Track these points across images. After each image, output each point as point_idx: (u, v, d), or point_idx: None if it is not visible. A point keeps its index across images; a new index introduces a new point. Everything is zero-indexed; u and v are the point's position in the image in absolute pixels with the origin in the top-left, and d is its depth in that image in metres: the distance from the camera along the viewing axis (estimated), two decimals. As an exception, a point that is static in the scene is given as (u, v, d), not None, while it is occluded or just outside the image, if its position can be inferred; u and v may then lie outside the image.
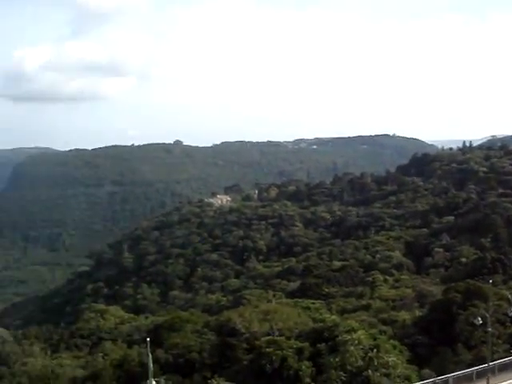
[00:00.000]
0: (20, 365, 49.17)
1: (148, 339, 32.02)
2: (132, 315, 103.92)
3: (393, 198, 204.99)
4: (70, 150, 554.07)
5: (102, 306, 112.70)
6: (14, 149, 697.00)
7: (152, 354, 31.94)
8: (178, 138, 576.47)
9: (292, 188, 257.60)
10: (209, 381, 35.81)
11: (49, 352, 60.10)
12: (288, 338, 41.42)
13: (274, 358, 37.79)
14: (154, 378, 32.29)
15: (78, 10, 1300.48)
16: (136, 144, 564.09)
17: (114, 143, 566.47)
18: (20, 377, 45.94)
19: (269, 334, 42.99)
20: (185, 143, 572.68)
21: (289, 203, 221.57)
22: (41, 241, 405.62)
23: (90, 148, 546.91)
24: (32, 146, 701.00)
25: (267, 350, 38.76)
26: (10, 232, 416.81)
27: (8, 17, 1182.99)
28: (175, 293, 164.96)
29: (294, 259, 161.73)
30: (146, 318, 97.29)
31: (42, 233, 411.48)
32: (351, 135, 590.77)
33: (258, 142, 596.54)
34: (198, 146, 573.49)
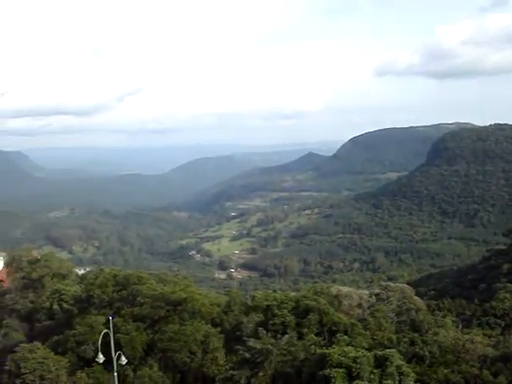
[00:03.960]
0: (432, 334, 50.35)
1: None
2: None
3: None
4: (490, 125, 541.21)
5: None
6: (434, 125, 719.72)
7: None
8: None
9: None
10: None
11: (460, 326, 60.16)
12: None
13: None
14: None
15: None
16: None
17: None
18: (431, 345, 47.16)
19: None
20: None
21: None
22: (458, 216, 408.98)
23: (511, 122, 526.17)
24: (452, 121, 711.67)
25: None
26: (429, 206, 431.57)
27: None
28: None
29: None
30: None
31: (459, 208, 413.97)
32: None
33: None
34: None
